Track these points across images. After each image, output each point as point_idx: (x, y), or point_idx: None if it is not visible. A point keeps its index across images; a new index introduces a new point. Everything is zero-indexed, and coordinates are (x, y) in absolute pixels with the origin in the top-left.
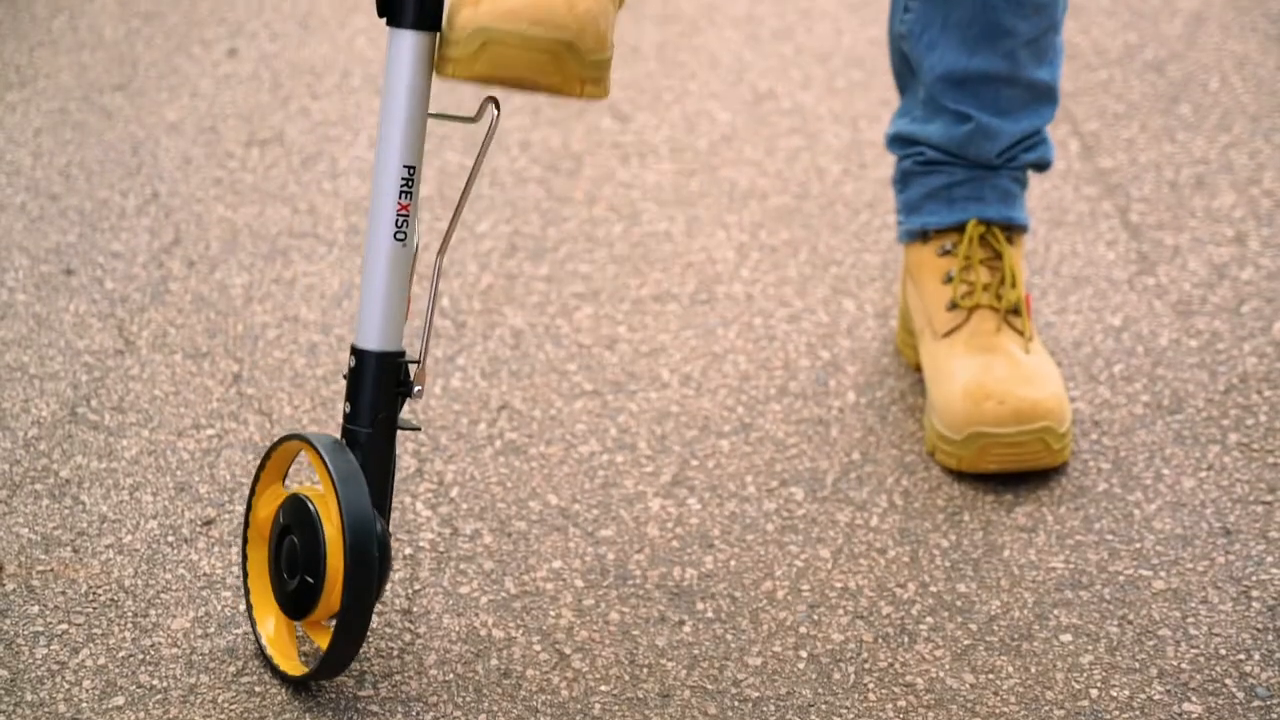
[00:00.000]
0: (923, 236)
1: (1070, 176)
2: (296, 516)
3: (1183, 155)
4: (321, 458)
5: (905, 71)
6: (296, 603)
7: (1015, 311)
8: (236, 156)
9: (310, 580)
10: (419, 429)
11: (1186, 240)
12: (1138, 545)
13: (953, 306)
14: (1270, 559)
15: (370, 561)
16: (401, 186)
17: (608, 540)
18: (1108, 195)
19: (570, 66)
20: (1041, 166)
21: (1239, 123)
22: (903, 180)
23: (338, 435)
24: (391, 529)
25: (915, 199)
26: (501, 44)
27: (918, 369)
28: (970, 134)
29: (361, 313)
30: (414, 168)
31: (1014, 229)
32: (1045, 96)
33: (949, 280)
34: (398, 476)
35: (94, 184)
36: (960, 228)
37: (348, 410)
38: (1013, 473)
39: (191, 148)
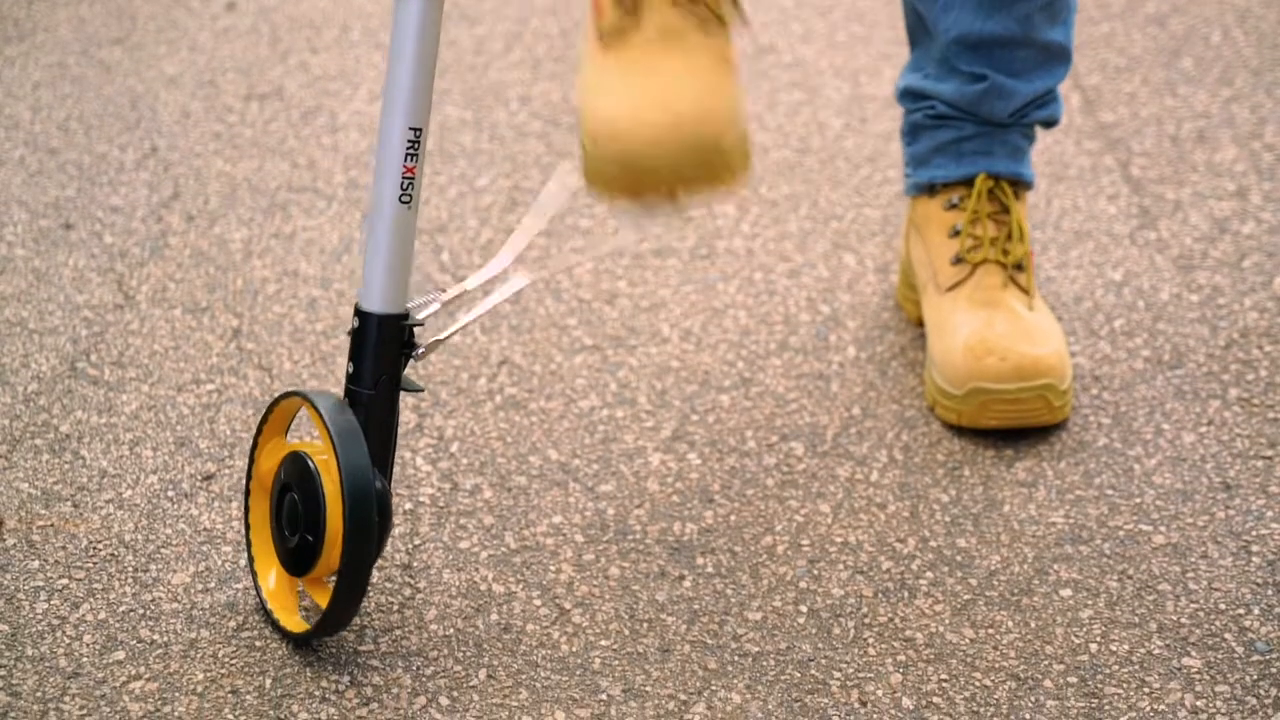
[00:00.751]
0: (930, 190)
1: (1071, 131)
2: (297, 474)
3: (1184, 109)
4: (322, 417)
5: (918, 28)
6: (297, 560)
7: (1020, 267)
8: (235, 111)
9: (310, 538)
10: (422, 389)
11: (1188, 195)
12: (1138, 500)
13: (958, 260)
14: (1270, 514)
15: (368, 522)
16: (407, 150)
17: (608, 495)
18: (1109, 149)
19: (716, 162)
20: (1050, 123)
21: (1241, 76)
22: (911, 133)
23: (339, 393)
24: (391, 485)
25: (923, 152)
26: (645, 166)
27: (918, 323)
28: (984, 93)
29: (365, 275)
30: (420, 130)
31: (1021, 184)
32: (1059, 56)
33: (955, 234)
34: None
35: (93, 138)
36: (968, 182)
37: (350, 370)
38: (1013, 429)
39: (190, 102)
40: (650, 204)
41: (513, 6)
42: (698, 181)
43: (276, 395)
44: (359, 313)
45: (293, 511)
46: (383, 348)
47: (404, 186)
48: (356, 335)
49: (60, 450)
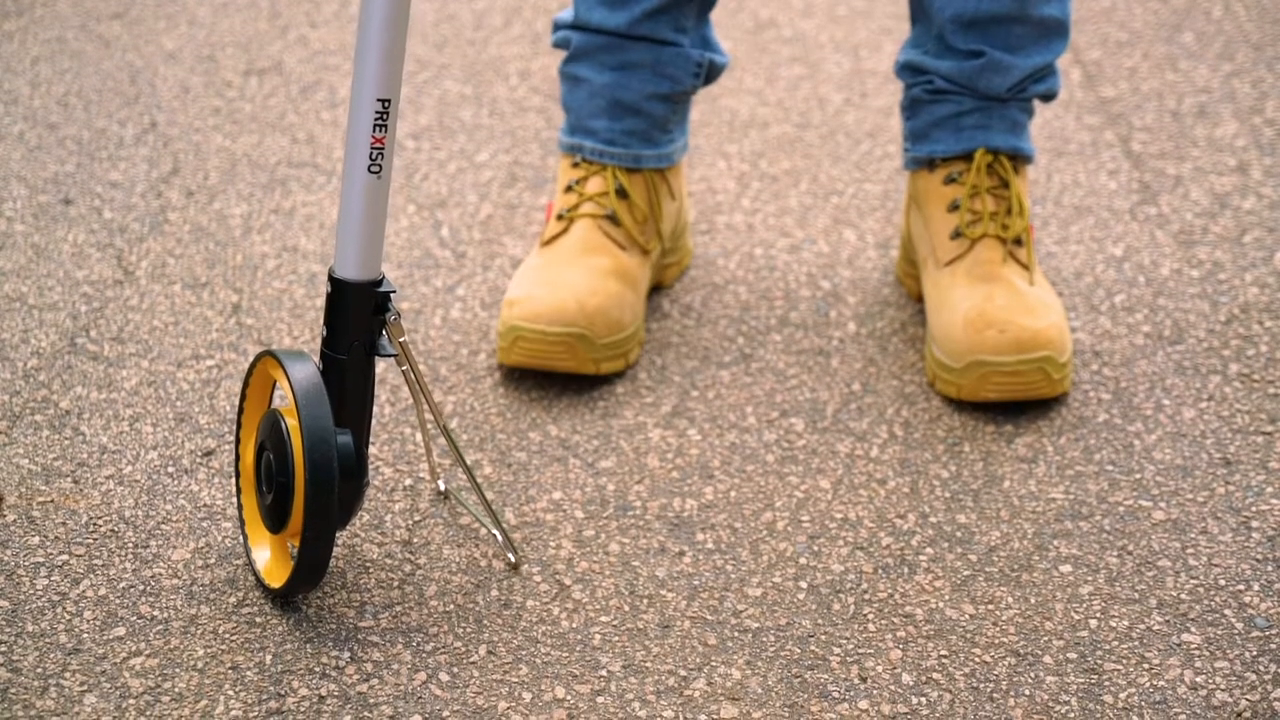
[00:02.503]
0: (929, 164)
1: (1072, 106)
2: (270, 432)
3: (1185, 84)
4: (287, 375)
5: (918, 4)
6: (274, 516)
7: (1019, 242)
8: (235, 86)
9: (282, 493)
10: (394, 355)
11: (1188, 170)
12: (1138, 476)
13: (957, 235)
14: (1270, 489)
15: (329, 474)
16: (375, 120)
17: (608, 471)
18: (1110, 124)
19: (583, 353)
20: (1049, 97)
21: (1241, 51)
22: (911, 108)
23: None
24: (391, 460)
25: (923, 127)
26: (527, 339)
27: (918, 299)
28: (981, 68)
29: (338, 243)
30: (389, 101)
31: (1020, 158)
32: (1056, 31)
33: (954, 208)
34: (397, 407)
35: (92, 113)
36: (968, 156)
37: (325, 335)
38: (1012, 402)
39: (190, 77)
40: (536, 368)
41: None
42: (564, 360)
43: (253, 358)
44: (332, 280)
45: (268, 469)
46: (355, 314)
47: (373, 157)
48: (330, 301)
49: (60, 426)
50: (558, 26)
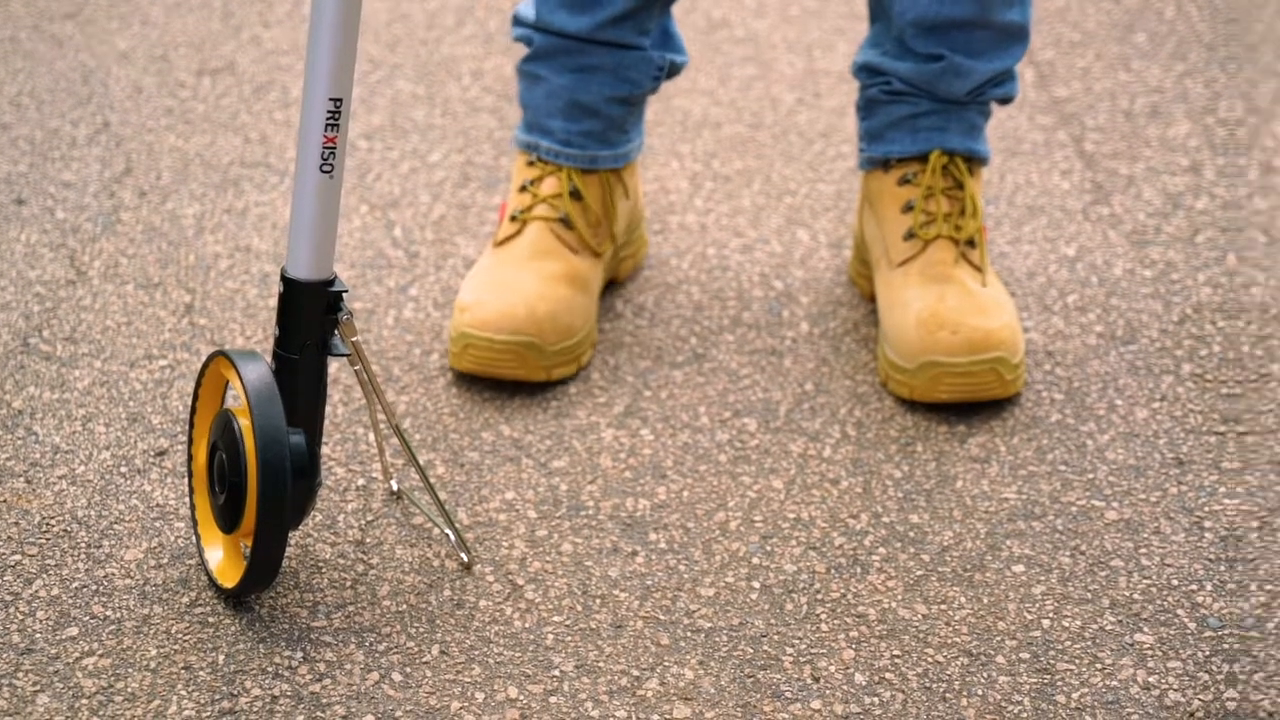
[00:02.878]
0: (884, 165)
1: (1025, 106)
2: (223, 432)
3: (1138, 84)
4: (239, 375)
5: (877, 3)
6: (227, 515)
7: (972, 243)
8: (188, 86)
9: (235, 493)
10: (347, 354)
11: (1141, 170)
12: (1090, 476)
13: (910, 236)
14: (1223, 490)
15: (281, 473)
16: (328, 119)
17: (560, 471)
18: (1062, 124)
19: (533, 361)
20: (1007, 101)
21: (1194, 51)
22: (867, 108)
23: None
24: (344, 460)
25: (878, 127)
26: (477, 346)
27: (871, 299)
28: (941, 72)
29: (290, 243)
30: (341, 100)
31: (976, 160)
32: (1017, 36)
33: (909, 209)
34: (349, 408)
35: (44, 113)
36: (923, 157)
37: (277, 335)
38: (965, 403)
39: (143, 77)
40: (490, 376)
41: None
42: (514, 368)
43: (205, 358)
44: (284, 279)
45: (220, 469)
46: (308, 313)
47: (324, 156)
48: (282, 301)
49: (13, 426)
50: (519, 22)
